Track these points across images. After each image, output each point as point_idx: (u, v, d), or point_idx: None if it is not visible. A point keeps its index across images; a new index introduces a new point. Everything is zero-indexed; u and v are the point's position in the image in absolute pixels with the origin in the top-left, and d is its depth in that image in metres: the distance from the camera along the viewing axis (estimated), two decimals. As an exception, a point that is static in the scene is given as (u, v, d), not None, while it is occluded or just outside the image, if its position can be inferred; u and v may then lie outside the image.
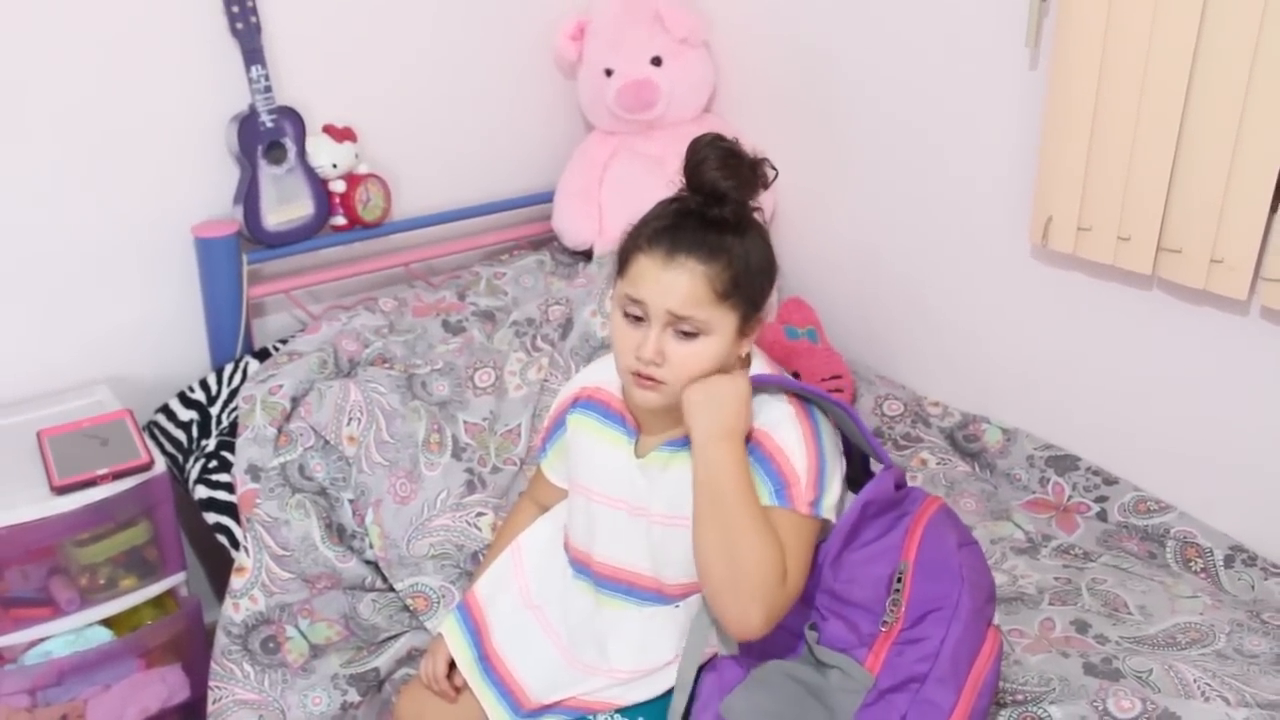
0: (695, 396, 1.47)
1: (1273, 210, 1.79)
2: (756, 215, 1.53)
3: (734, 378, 1.49)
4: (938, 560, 1.49)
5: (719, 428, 1.46)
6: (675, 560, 1.56)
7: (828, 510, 1.48)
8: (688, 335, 1.47)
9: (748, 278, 1.48)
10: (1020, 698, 1.62)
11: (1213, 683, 1.61)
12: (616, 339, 1.52)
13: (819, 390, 1.55)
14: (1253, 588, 1.91)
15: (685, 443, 1.54)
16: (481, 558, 1.96)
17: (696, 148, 1.49)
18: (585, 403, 1.69)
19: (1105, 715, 1.56)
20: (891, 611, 1.47)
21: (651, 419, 1.60)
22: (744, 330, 1.51)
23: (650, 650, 1.60)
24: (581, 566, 1.68)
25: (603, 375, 1.69)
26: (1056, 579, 1.94)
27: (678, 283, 1.45)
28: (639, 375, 1.49)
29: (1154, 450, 2.09)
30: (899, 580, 1.47)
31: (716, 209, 1.47)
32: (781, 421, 1.50)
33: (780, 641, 1.51)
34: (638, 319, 1.49)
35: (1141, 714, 1.55)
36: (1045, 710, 1.58)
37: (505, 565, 1.79)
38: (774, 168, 1.52)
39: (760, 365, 1.59)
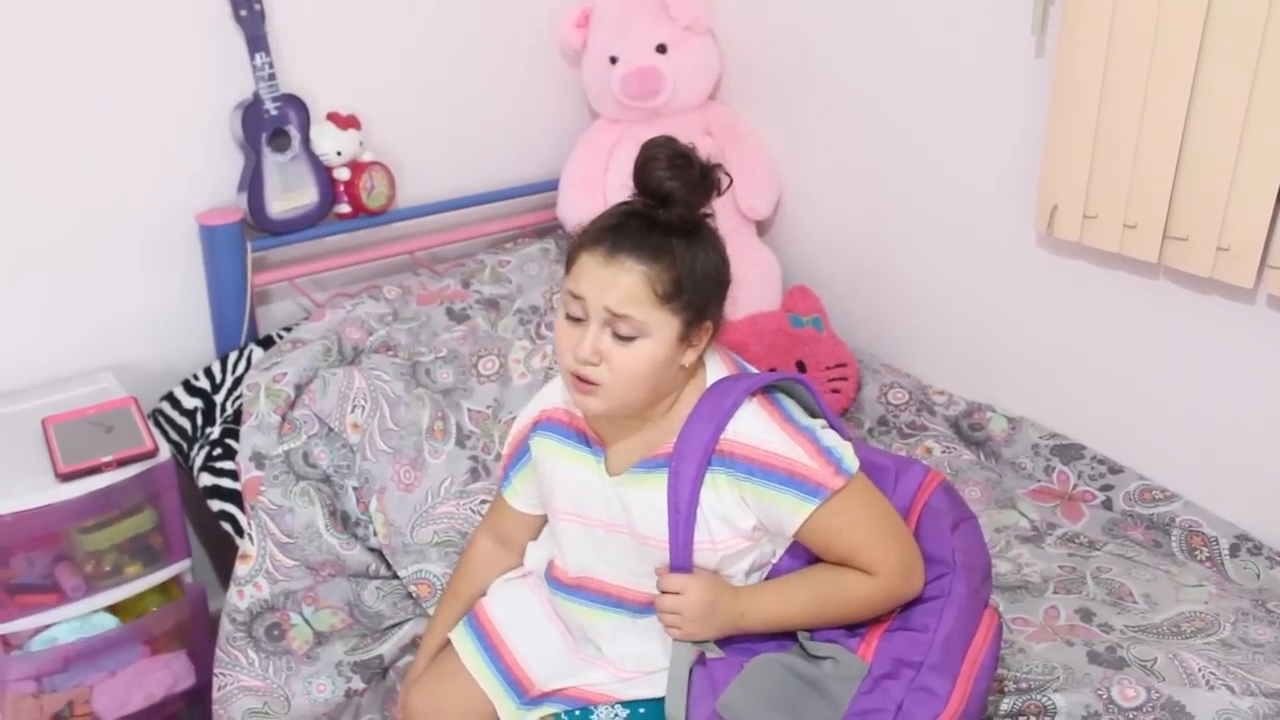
0: (692, 629, 1.49)
1: (1279, 198, 1.78)
2: (710, 223, 1.50)
3: (690, 599, 1.47)
4: (931, 552, 1.49)
5: (719, 628, 1.49)
6: None
7: (851, 462, 1.47)
8: (625, 339, 1.43)
9: (692, 282, 1.44)
10: (1024, 686, 1.62)
11: (1218, 671, 1.61)
12: (557, 339, 1.49)
13: (769, 375, 1.52)
14: (1258, 576, 1.91)
15: (658, 464, 1.51)
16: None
17: (647, 148, 1.46)
18: (545, 425, 1.66)
19: (1110, 704, 1.56)
20: None
21: (612, 430, 1.56)
22: (688, 339, 1.47)
23: (649, 655, 1.60)
24: (559, 585, 1.66)
25: (560, 395, 1.65)
26: (1061, 567, 1.94)
27: (617, 280, 1.42)
28: (577, 378, 1.47)
29: (1159, 439, 2.08)
30: None
31: (663, 211, 1.44)
32: (752, 423, 1.47)
33: (769, 637, 1.51)
34: (578, 319, 1.46)
35: (1146, 703, 1.55)
36: (1049, 698, 1.58)
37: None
38: (728, 174, 1.49)
39: (716, 366, 1.55)
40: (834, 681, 1.43)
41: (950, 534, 1.51)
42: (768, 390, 1.51)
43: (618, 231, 1.44)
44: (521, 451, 1.71)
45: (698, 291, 1.45)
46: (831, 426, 1.53)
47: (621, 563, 1.58)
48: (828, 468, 1.44)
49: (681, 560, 1.48)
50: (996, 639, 1.49)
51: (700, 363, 1.54)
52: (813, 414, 1.54)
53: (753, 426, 1.46)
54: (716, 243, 1.50)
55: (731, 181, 1.50)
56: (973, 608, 1.48)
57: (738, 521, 1.48)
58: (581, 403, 1.49)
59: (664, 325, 1.44)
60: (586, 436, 1.60)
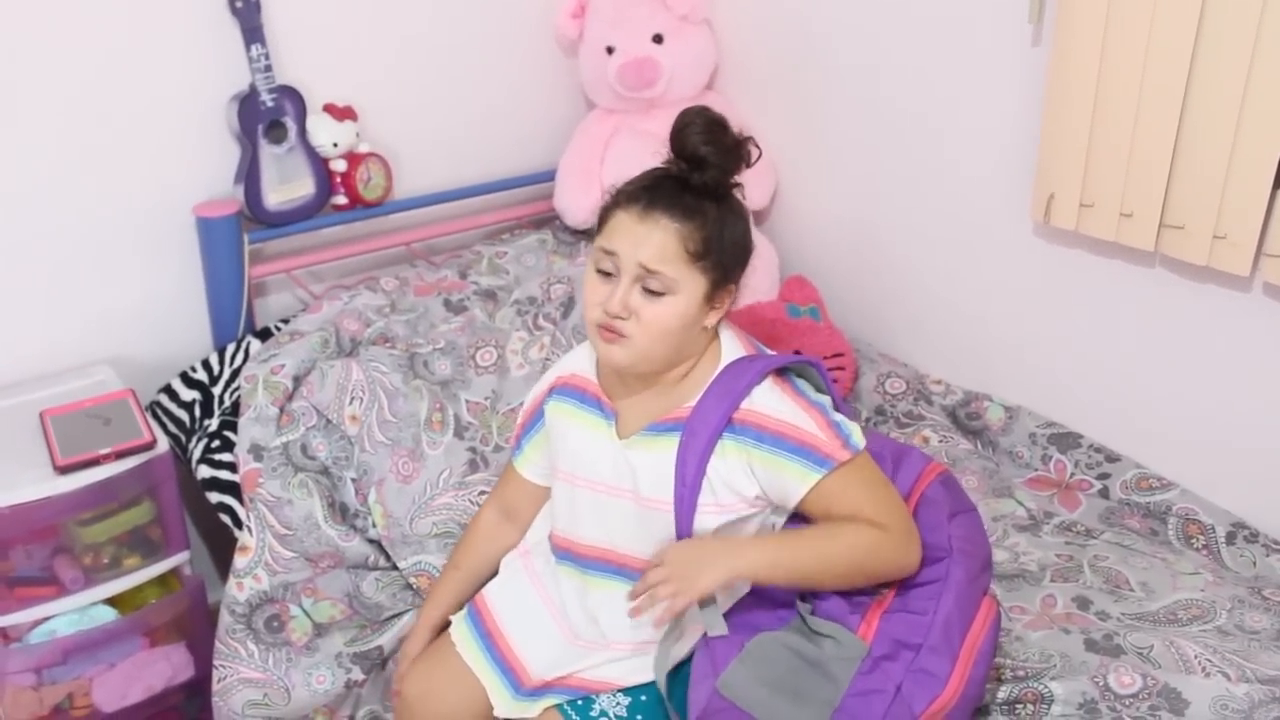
0: (686, 563, 1.46)
1: (1276, 185, 1.78)
2: (738, 194, 1.56)
3: (671, 557, 1.47)
4: (929, 539, 1.51)
5: (719, 571, 1.46)
6: (661, 539, 1.56)
7: (858, 439, 1.51)
8: (655, 293, 1.48)
9: (720, 243, 1.50)
10: (1021, 673, 1.63)
11: (1213, 658, 1.62)
12: (586, 293, 1.54)
13: (784, 357, 1.57)
14: (1254, 564, 1.91)
15: (667, 427, 1.54)
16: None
17: (684, 115, 1.52)
18: (561, 389, 1.70)
19: (1106, 691, 1.56)
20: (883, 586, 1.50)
21: (624, 392, 1.60)
22: (712, 299, 1.53)
23: (644, 625, 1.61)
24: (565, 553, 1.68)
25: (578, 363, 1.70)
26: (1058, 556, 1.95)
27: (651, 237, 1.47)
28: (603, 328, 1.51)
29: (1156, 427, 2.08)
30: None
31: (697, 174, 1.50)
32: (767, 395, 1.51)
33: (770, 613, 1.52)
34: (608, 274, 1.51)
35: (1142, 690, 1.56)
36: (1046, 686, 1.58)
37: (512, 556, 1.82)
38: (758, 147, 1.54)
39: (732, 342, 1.60)
40: (835, 662, 1.45)
41: (948, 522, 1.53)
42: (782, 371, 1.55)
43: (653, 191, 1.50)
44: (536, 418, 1.75)
45: (725, 253, 1.51)
46: (838, 408, 1.56)
47: (623, 528, 1.61)
48: (836, 440, 1.49)
49: (685, 532, 1.52)
50: (995, 626, 1.51)
51: (716, 336, 1.59)
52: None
53: (766, 398, 1.51)
54: (743, 212, 1.56)
55: (761, 154, 1.56)
56: (971, 594, 1.50)
57: (741, 488, 1.52)
58: (606, 354, 1.53)
59: (692, 283, 1.49)
60: (601, 402, 1.64)
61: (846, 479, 1.48)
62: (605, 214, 1.54)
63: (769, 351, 1.64)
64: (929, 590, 1.49)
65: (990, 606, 1.52)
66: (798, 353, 2.38)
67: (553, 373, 1.75)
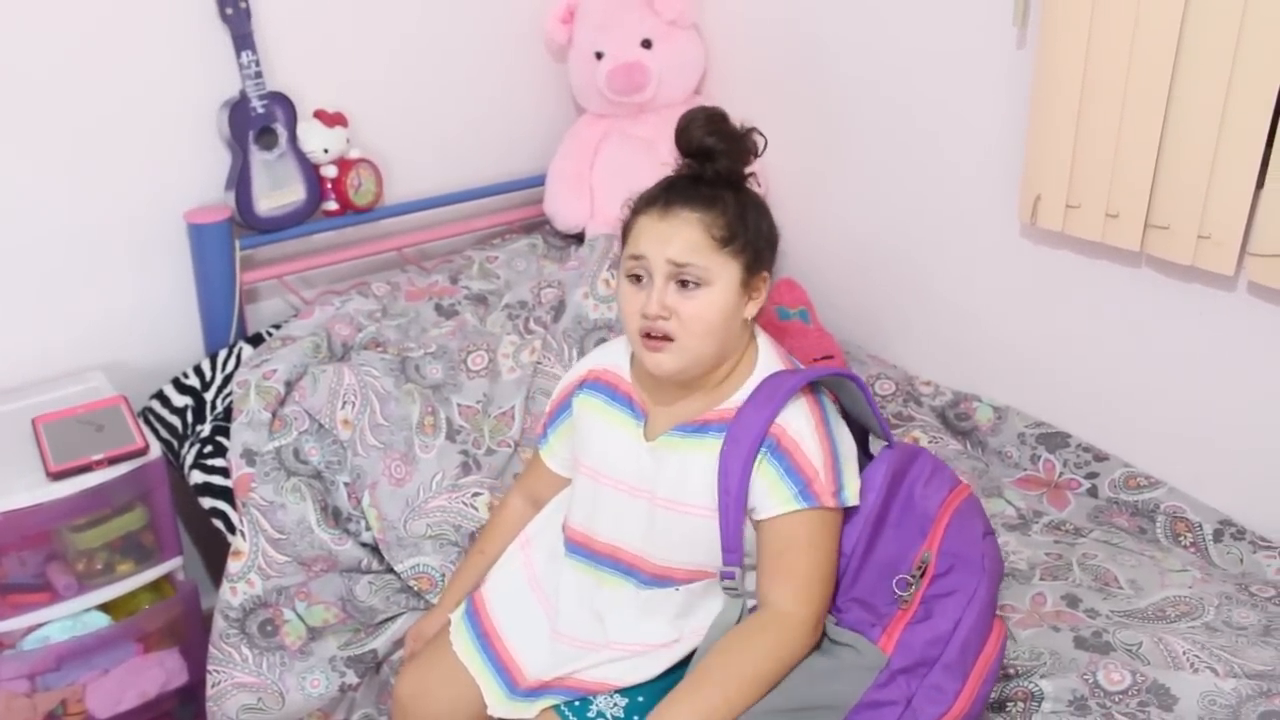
0: None
1: (1259, 185, 1.79)
2: (752, 184, 1.57)
3: None
4: (961, 551, 1.51)
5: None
6: (676, 544, 1.57)
7: (851, 496, 1.51)
8: (690, 285, 1.48)
9: (743, 225, 1.50)
10: (1012, 672, 1.64)
11: (1201, 654, 1.63)
12: (623, 305, 1.54)
13: (827, 369, 1.56)
14: (1241, 561, 1.93)
15: (697, 429, 1.55)
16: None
17: (684, 115, 1.54)
18: (593, 384, 1.70)
19: (1095, 688, 1.57)
20: (909, 592, 1.49)
21: (659, 393, 1.60)
22: (748, 287, 1.53)
23: (648, 628, 1.61)
24: (578, 547, 1.68)
25: (611, 358, 1.70)
26: (1047, 554, 1.96)
27: (676, 232, 1.48)
28: (647, 336, 1.51)
29: (1144, 426, 2.10)
30: (920, 568, 1.49)
31: (709, 166, 1.51)
32: (796, 414, 1.51)
33: None
34: (640, 280, 1.51)
35: (1131, 686, 1.57)
36: (1036, 684, 1.59)
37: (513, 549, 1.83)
38: (763, 135, 1.55)
39: (767, 350, 1.60)
40: (851, 670, 1.45)
41: (981, 539, 1.53)
42: (815, 388, 1.55)
43: (669, 190, 1.52)
44: (562, 409, 1.75)
45: (750, 234, 1.52)
46: (879, 422, 1.57)
47: (640, 530, 1.60)
48: (830, 485, 1.49)
49: (731, 541, 1.51)
50: (1004, 647, 1.52)
51: (754, 340, 1.59)
52: (857, 411, 1.58)
53: (798, 420, 1.51)
54: (762, 202, 1.57)
55: (767, 143, 1.56)
56: (989, 615, 1.51)
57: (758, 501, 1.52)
58: (654, 362, 1.52)
59: (725, 270, 1.49)
60: (632, 401, 1.64)
61: (811, 525, 1.48)
62: (627, 226, 1.55)
63: (800, 365, 1.64)
64: (956, 601, 1.49)
65: (1000, 628, 1.53)
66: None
67: (585, 364, 1.74)
